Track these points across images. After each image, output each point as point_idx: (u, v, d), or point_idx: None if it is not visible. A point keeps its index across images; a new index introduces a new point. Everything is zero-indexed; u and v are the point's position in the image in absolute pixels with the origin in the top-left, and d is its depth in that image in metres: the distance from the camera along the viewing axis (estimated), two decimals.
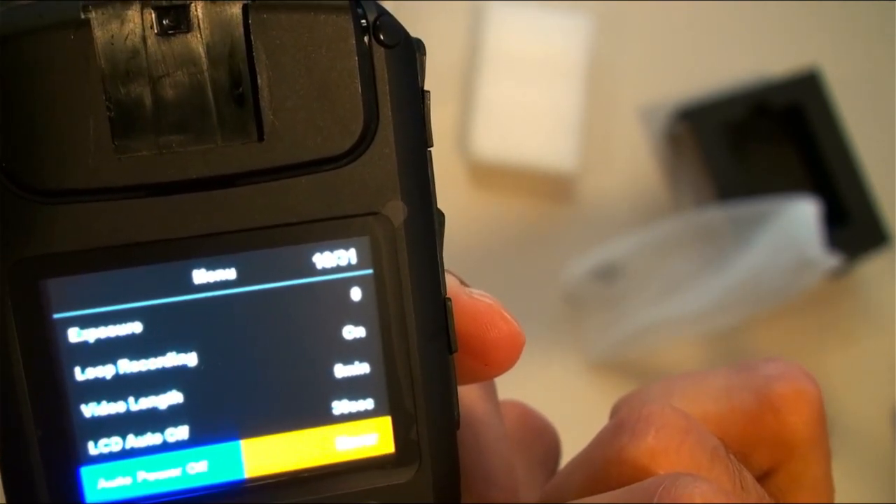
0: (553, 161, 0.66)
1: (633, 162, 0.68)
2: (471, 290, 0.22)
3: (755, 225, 0.62)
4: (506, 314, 0.21)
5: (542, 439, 0.27)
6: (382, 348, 0.20)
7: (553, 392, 0.64)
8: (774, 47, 0.70)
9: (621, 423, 0.22)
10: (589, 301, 0.65)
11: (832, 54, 0.69)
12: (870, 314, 0.68)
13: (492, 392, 0.25)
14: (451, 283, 0.21)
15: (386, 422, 0.20)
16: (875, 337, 0.67)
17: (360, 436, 0.20)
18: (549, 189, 0.67)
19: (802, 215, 0.60)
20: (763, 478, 0.23)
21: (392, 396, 0.20)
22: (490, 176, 0.67)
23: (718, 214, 0.63)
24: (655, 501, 0.19)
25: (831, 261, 0.60)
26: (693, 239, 0.64)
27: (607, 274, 0.65)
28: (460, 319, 0.21)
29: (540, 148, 0.66)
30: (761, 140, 0.68)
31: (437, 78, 0.68)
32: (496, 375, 0.22)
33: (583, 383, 0.65)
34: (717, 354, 0.67)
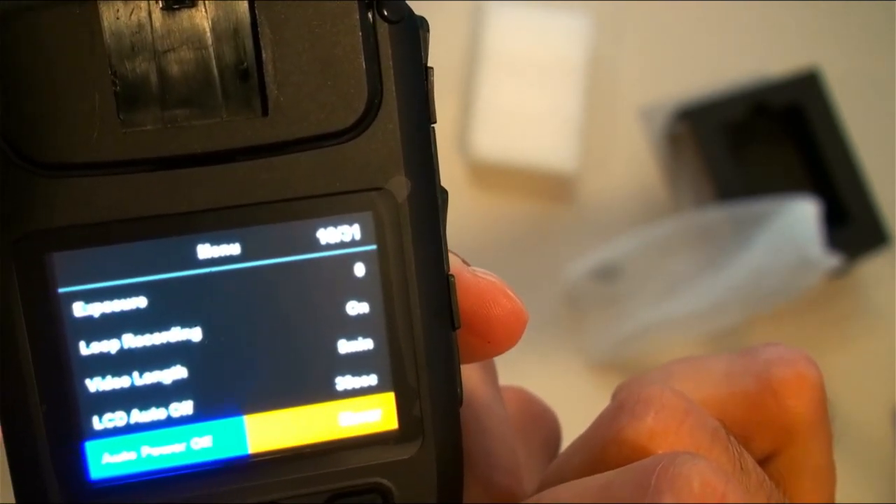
0: (553, 161, 0.66)
1: (633, 162, 0.68)
2: (473, 268, 0.22)
3: (755, 225, 0.62)
4: (509, 291, 0.21)
5: (543, 424, 0.27)
6: (386, 324, 0.20)
7: (553, 392, 0.64)
8: (774, 47, 0.70)
9: (621, 404, 0.22)
10: (589, 301, 0.65)
11: (832, 54, 0.69)
12: (870, 314, 0.68)
13: (493, 376, 0.25)
14: (454, 261, 0.21)
15: (389, 397, 0.20)
16: (875, 337, 0.67)
17: (363, 411, 0.20)
18: (549, 189, 0.67)
19: (802, 215, 0.60)
20: (764, 462, 0.23)
21: (395, 372, 0.20)
22: (490, 176, 0.67)
23: (718, 214, 0.63)
24: (654, 480, 0.19)
25: (831, 261, 0.60)
26: (693, 239, 0.64)
27: (607, 274, 0.65)
28: (464, 297, 0.21)
29: (540, 148, 0.66)
30: (761, 140, 0.68)
31: (437, 78, 0.68)
32: (499, 353, 0.22)
33: (583, 383, 0.65)
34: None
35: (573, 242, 0.66)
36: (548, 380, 0.64)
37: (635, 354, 0.65)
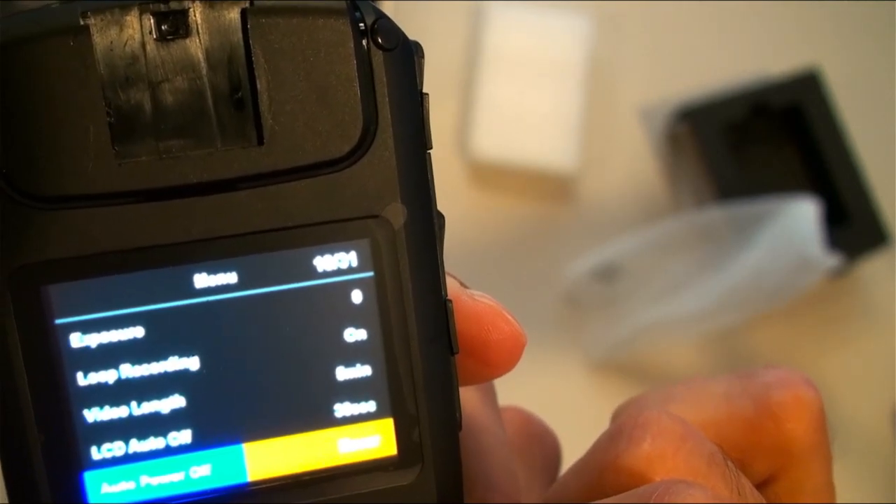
0: (553, 161, 0.66)
1: (633, 162, 0.68)
2: (472, 291, 0.22)
3: (755, 225, 0.62)
4: (507, 315, 0.21)
5: (543, 445, 0.27)
6: (384, 350, 0.20)
7: (553, 392, 0.64)
8: (774, 47, 0.70)
9: (618, 429, 0.22)
10: (589, 301, 0.65)
11: (832, 54, 0.69)
12: (870, 314, 0.68)
13: (492, 398, 0.25)
14: (451, 284, 0.21)
15: (388, 424, 0.20)
16: (875, 337, 0.67)
17: (362, 438, 0.20)
18: (549, 189, 0.67)
19: (802, 215, 0.60)
20: (763, 485, 0.23)
21: (394, 398, 0.20)
22: (490, 176, 0.67)
23: (718, 214, 0.63)
24: None
25: (831, 261, 0.60)
26: (693, 239, 0.64)
27: (607, 274, 0.65)
28: (461, 321, 0.21)
29: (540, 148, 0.66)
30: (761, 140, 0.68)
31: (437, 78, 0.68)
32: (498, 376, 0.22)
33: (583, 383, 0.65)
34: (716, 355, 0.67)
35: (573, 242, 0.66)
36: (548, 380, 0.65)
37: (635, 354, 0.65)
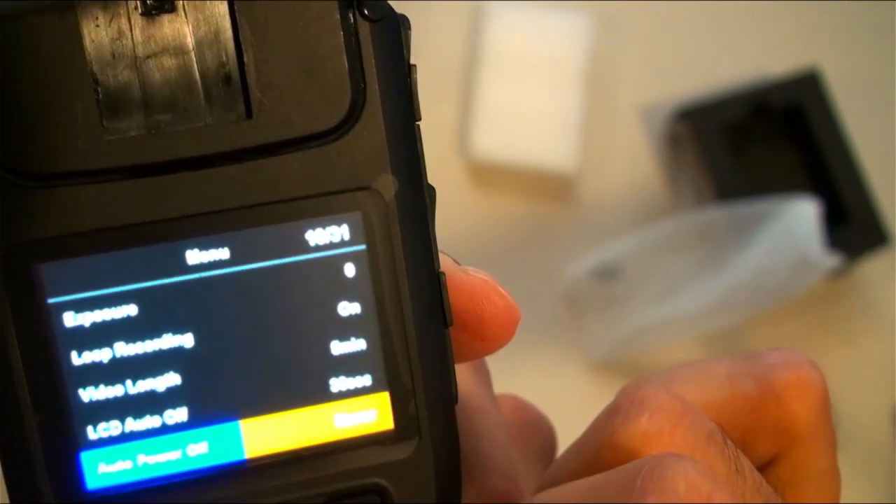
0: (553, 161, 0.66)
1: (633, 162, 0.68)
2: (465, 267, 0.22)
3: (755, 225, 0.62)
4: (500, 289, 0.21)
5: (538, 431, 0.27)
6: (378, 324, 0.20)
7: (553, 392, 0.64)
8: (774, 47, 0.70)
9: (615, 406, 0.22)
10: (589, 301, 0.65)
11: (832, 54, 0.69)
12: (870, 314, 0.68)
13: (487, 380, 0.25)
14: (445, 261, 0.21)
15: (384, 397, 0.20)
16: (875, 337, 0.67)
17: (358, 412, 0.20)
18: (549, 189, 0.67)
19: (802, 215, 0.60)
20: (766, 467, 0.23)
21: (389, 372, 0.20)
22: (490, 176, 0.67)
23: (718, 214, 0.63)
24: (639, 481, 0.19)
25: (831, 261, 0.60)
26: (693, 239, 0.64)
27: (607, 274, 0.65)
28: (455, 296, 0.21)
29: (540, 148, 0.66)
30: (761, 140, 0.68)
31: (437, 78, 0.68)
32: (492, 351, 0.22)
33: (583, 383, 0.65)
34: (716, 354, 0.67)
35: (573, 242, 0.66)
36: (548, 380, 0.65)
37: (635, 354, 0.65)
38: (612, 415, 0.22)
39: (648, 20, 0.70)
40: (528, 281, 0.66)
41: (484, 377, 0.25)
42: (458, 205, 0.66)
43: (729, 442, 0.21)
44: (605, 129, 0.68)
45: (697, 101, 0.66)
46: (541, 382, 0.64)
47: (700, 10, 0.70)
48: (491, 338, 0.21)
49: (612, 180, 0.68)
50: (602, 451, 0.21)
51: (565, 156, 0.65)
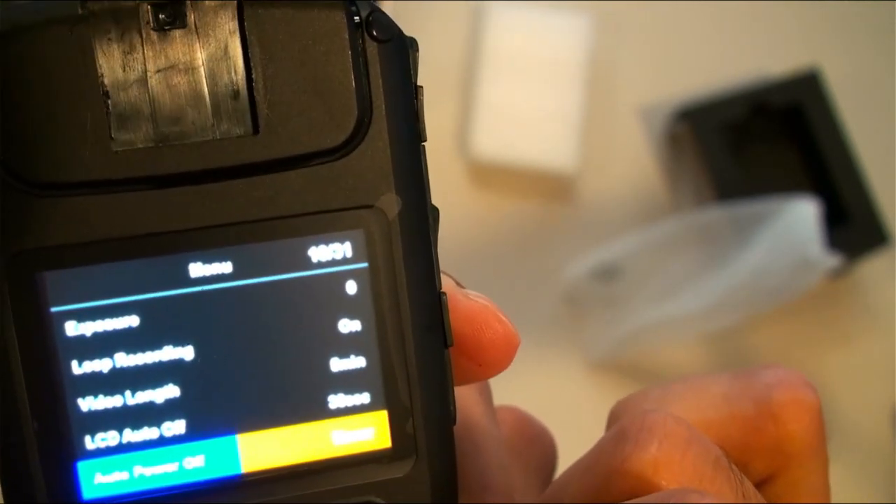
0: (553, 161, 0.66)
1: (633, 162, 0.68)
2: (466, 290, 0.22)
3: (755, 225, 0.62)
4: (500, 315, 0.21)
5: (539, 446, 0.26)
6: (378, 342, 0.20)
7: (552, 392, 0.64)
8: (774, 47, 0.70)
9: (623, 432, 0.22)
10: (589, 301, 0.65)
11: (832, 54, 0.69)
12: (870, 314, 0.68)
13: (487, 396, 0.25)
14: (447, 282, 0.21)
15: (382, 416, 0.20)
16: (875, 337, 0.67)
17: (356, 430, 0.20)
18: (549, 189, 0.67)
19: (802, 215, 0.60)
20: (761, 485, 0.23)
21: (388, 390, 0.20)
22: (490, 176, 0.67)
23: (718, 214, 0.63)
24: None
25: (831, 261, 0.60)
26: (693, 239, 0.64)
27: (607, 274, 0.65)
28: (455, 320, 0.21)
29: (540, 148, 0.66)
30: (761, 140, 0.68)
31: (437, 78, 0.68)
32: (490, 376, 0.22)
33: (583, 383, 0.65)
34: (716, 354, 0.67)
35: (573, 242, 0.66)
36: (548, 380, 0.65)
37: (635, 354, 0.65)
38: (620, 441, 0.22)
39: (648, 20, 0.70)
40: (527, 281, 0.66)
41: (484, 394, 0.25)
42: (458, 205, 0.66)
43: (734, 467, 0.21)
44: (605, 130, 0.68)
45: (697, 101, 0.66)
46: (540, 382, 0.64)
47: (700, 10, 0.70)
48: (488, 363, 0.21)
49: (612, 180, 0.68)
50: (611, 477, 0.21)
51: (565, 156, 0.65)
